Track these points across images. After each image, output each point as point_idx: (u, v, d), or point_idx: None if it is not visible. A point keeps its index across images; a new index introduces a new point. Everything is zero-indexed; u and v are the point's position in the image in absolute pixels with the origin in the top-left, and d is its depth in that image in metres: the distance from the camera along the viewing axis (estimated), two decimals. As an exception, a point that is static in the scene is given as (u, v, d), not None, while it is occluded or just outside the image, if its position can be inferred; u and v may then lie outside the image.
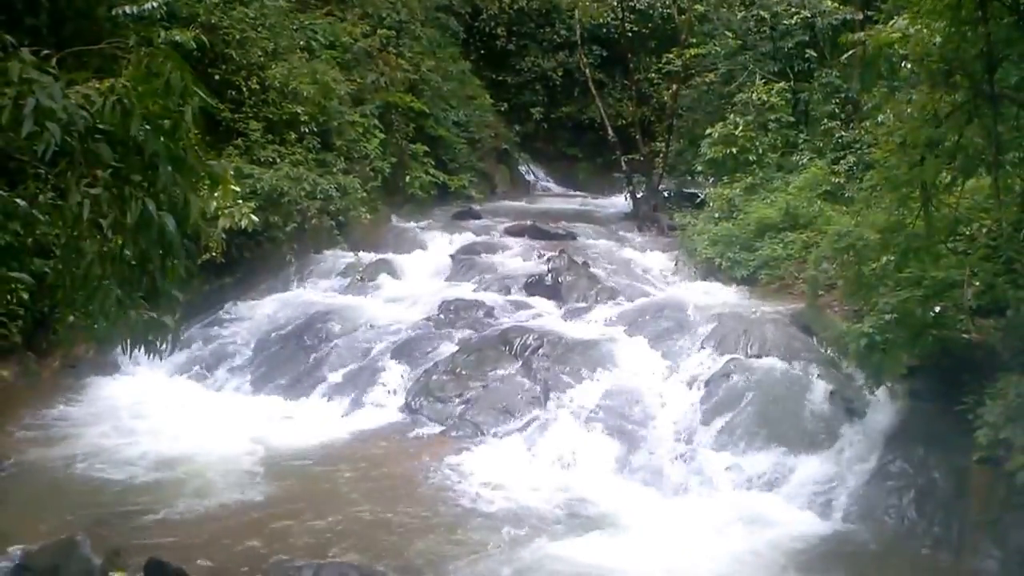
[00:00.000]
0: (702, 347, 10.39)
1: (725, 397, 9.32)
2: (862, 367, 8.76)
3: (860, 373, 9.02)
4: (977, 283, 7.73)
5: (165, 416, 9.30)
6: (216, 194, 6.13)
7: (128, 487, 7.65)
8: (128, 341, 4.74)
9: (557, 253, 14.03)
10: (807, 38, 17.20)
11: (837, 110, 15.19)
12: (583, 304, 12.19)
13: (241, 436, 8.89)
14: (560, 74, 26.45)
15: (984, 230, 8.11)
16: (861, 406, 8.88)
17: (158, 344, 4.80)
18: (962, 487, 7.68)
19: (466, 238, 15.77)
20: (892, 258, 8.06)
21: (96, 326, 4.58)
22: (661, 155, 20.01)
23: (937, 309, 7.82)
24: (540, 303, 12.35)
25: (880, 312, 8.05)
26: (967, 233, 8.11)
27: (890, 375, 8.35)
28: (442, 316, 11.70)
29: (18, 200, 4.49)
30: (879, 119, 9.68)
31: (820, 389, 9.17)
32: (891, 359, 8.05)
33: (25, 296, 6.05)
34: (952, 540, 7.45)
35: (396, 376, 10.37)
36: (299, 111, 14.11)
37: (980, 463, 7.41)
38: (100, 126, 4.15)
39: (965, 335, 7.89)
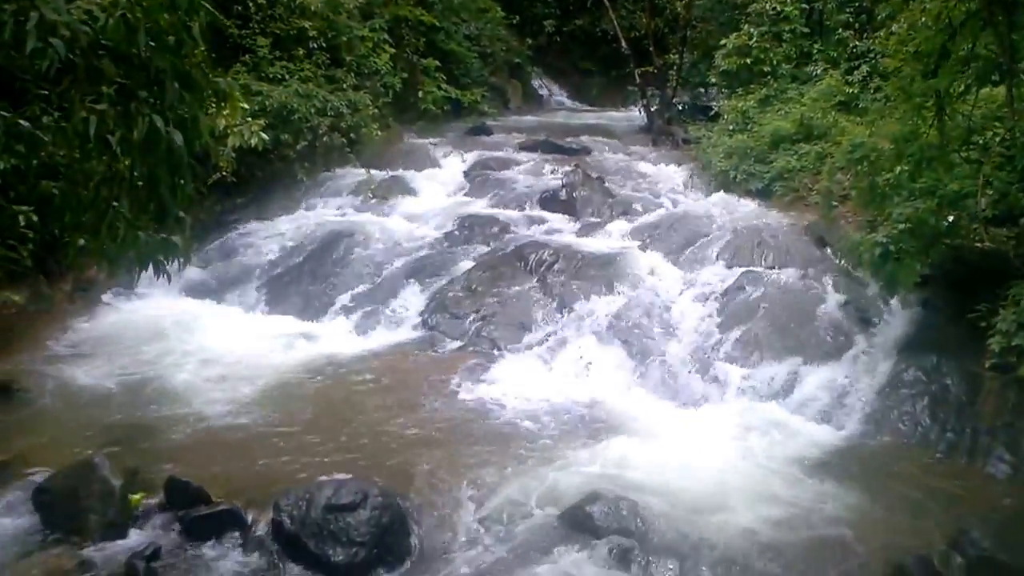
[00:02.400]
0: (717, 259, 10.37)
1: (739, 309, 9.29)
2: (875, 277, 8.73)
3: (873, 283, 9.00)
4: (991, 192, 7.67)
5: (180, 337, 9.32)
6: (224, 112, 6.04)
7: (144, 408, 7.69)
8: (137, 263, 4.71)
9: (571, 168, 13.85)
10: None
11: (851, 19, 14.80)
12: (598, 218, 12.11)
13: (257, 355, 8.91)
14: (572, -16, 25.87)
15: (998, 139, 7.98)
16: (874, 316, 8.89)
17: (167, 265, 4.77)
18: (975, 394, 7.70)
19: (480, 154, 15.58)
20: (906, 168, 7.99)
21: (105, 248, 4.54)
22: (675, 67, 19.63)
23: (950, 218, 7.78)
24: (555, 218, 12.24)
25: (894, 222, 8.00)
26: (981, 142, 7.99)
27: (903, 285, 8.31)
28: (457, 233, 11.63)
29: (21, 121, 4.42)
30: (893, 28, 9.46)
31: (834, 299, 9.16)
32: (904, 269, 8.01)
33: (34, 218, 5.99)
34: (965, 446, 7.48)
35: (412, 294, 10.36)
36: (307, 26, 13.83)
37: (992, 370, 7.45)
38: (104, 42, 4.07)
39: (978, 244, 7.88)
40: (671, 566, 5.78)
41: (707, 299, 9.63)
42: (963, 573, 5.68)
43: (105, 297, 10.17)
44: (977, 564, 5.72)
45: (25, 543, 5.71)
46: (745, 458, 7.26)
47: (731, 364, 8.68)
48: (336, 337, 9.71)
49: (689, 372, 8.72)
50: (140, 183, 4.42)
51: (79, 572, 5.38)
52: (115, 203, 4.40)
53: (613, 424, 7.78)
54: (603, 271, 10.25)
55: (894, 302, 8.84)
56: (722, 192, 13.16)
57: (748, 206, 12.52)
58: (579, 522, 6.12)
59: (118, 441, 6.93)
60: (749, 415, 8.00)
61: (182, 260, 4.84)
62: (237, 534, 5.82)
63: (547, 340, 9.30)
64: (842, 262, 9.86)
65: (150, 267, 4.74)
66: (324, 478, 6.31)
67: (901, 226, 7.91)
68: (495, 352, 9.21)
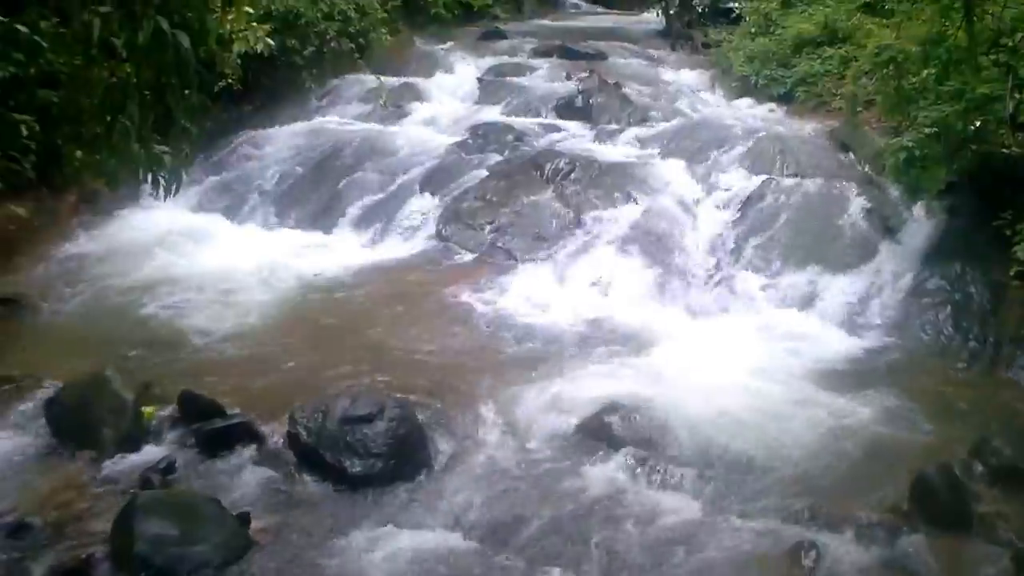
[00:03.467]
0: (737, 167, 10.20)
1: (760, 217, 9.22)
2: (900, 183, 8.67)
3: (897, 190, 8.90)
4: (1019, 96, 7.50)
5: (188, 249, 9.31)
6: (230, 16, 5.90)
7: (154, 322, 7.70)
8: (137, 177, 4.65)
9: (588, 74, 13.65)
10: None
11: (878, -85, 14.40)
12: (615, 126, 11.93)
13: (267, 267, 8.89)
14: None
15: (1028, 41, 7.78)
16: (898, 223, 8.81)
17: (169, 179, 4.72)
18: (999, 302, 7.71)
19: (493, 60, 15.34)
20: (932, 71, 7.87)
21: (104, 162, 4.48)
22: (695, -34, 19.21)
23: (977, 123, 7.69)
24: (571, 126, 12.07)
25: (919, 127, 7.94)
26: (1010, 44, 7.77)
27: (928, 191, 8.27)
28: (470, 141, 11.46)
29: (19, 27, 4.32)
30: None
31: (856, 207, 9.07)
32: (929, 175, 7.97)
33: (36, 128, 5.89)
34: (988, 354, 7.51)
35: (425, 204, 10.26)
36: (312, -74, 13.50)
37: (1017, 278, 7.46)
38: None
39: (1005, 149, 7.76)
40: (689, 476, 5.80)
41: (727, 207, 9.54)
42: (985, 482, 5.71)
43: (110, 210, 10.08)
44: (999, 472, 5.75)
45: (38, 457, 5.75)
46: (766, 368, 7.23)
47: (752, 273, 8.66)
48: (348, 249, 9.67)
49: (709, 282, 8.70)
50: (145, 92, 4.33)
51: (93, 486, 5.44)
52: (119, 113, 4.32)
53: (631, 335, 7.76)
54: (621, 180, 10.13)
55: (918, 209, 8.74)
56: (743, 98, 12.96)
57: (770, 112, 12.37)
58: (596, 433, 6.14)
59: (128, 355, 6.93)
60: (770, 324, 7.98)
61: (180, 176, 4.78)
62: (253, 447, 5.84)
63: (564, 250, 9.23)
64: (866, 169, 9.78)
65: (151, 183, 4.69)
66: (339, 390, 6.31)
67: (927, 131, 7.84)
68: (511, 263, 9.16)
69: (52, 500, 5.29)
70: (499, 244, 9.48)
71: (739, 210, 9.44)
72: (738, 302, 8.41)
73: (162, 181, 4.72)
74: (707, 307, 8.39)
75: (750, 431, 6.27)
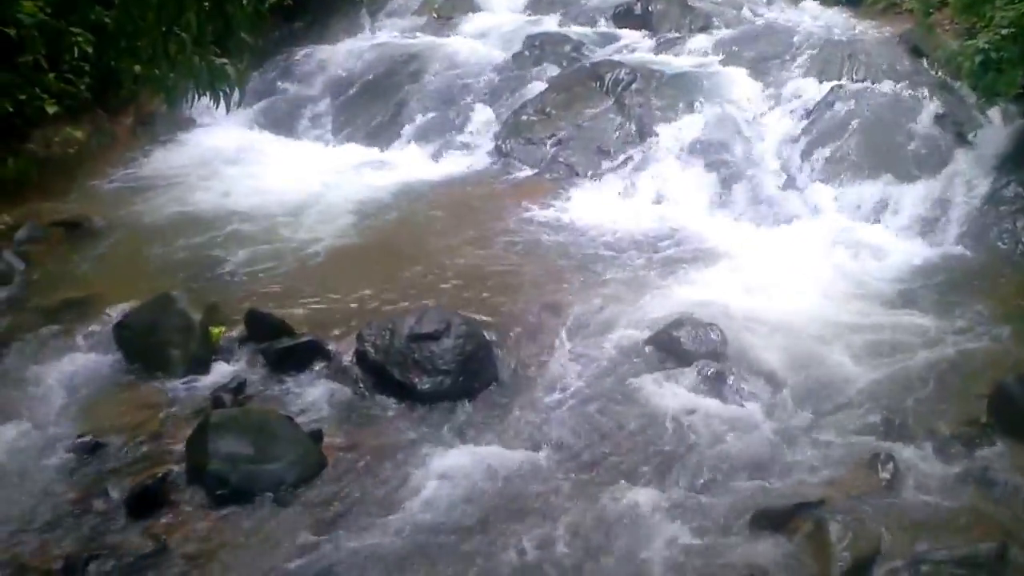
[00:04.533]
0: (804, 74, 9.96)
1: (829, 126, 9.01)
2: (974, 87, 8.37)
3: (972, 94, 8.64)
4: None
5: (248, 169, 9.29)
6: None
7: (217, 242, 7.70)
8: (196, 90, 4.60)
9: (645, -21, 13.30)
10: None
11: None
12: (676, 34, 11.62)
13: (328, 185, 8.86)
14: None
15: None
16: (973, 129, 8.61)
17: (228, 92, 4.66)
18: (1078, 208, 7.45)
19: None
20: (1009, -32, 7.51)
21: (161, 77, 4.43)
22: None
23: (1058, 22, 7.34)
24: (630, 35, 11.80)
25: (995, 27, 7.69)
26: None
27: (1004, 95, 8.02)
28: (527, 53, 11.26)
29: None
30: None
31: (929, 113, 8.88)
32: (1006, 77, 7.72)
33: (89, 50, 5.84)
34: (1067, 263, 7.30)
35: (483, 118, 10.17)
36: None
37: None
38: None
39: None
40: (762, 388, 5.75)
41: (794, 116, 9.33)
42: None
43: (168, 132, 10.10)
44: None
45: (110, 378, 5.81)
46: (837, 279, 7.14)
47: (821, 183, 8.48)
48: (408, 165, 9.59)
49: (777, 193, 8.54)
50: (204, 1, 4.26)
51: (166, 406, 5.49)
52: (176, 24, 4.25)
53: (697, 248, 7.66)
54: (683, 90, 9.91)
55: (994, 114, 8.54)
56: (810, 0, 12.58)
57: (838, 15, 12.04)
58: (666, 347, 6.07)
59: (193, 276, 6.98)
60: (840, 235, 7.84)
61: (242, 88, 4.73)
62: (321, 365, 5.87)
63: (626, 164, 9.09)
64: (938, 73, 9.55)
65: (209, 97, 4.63)
66: (405, 308, 6.31)
67: (1003, 31, 7.60)
68: (572, 178, 9.04)
69: (126, 420, 5.36)
70: (560, 158, 9.35)
71: (807, 118, 9.23)
72: (807, 213, 8.26)
73: (222, 95, 4.67)
74: (776, 218, 8.25)
75: (823, 344, 6.20)
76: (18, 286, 6.96)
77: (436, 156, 9.77)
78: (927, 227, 7.94)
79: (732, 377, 5.80)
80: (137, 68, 4.50)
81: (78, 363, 5.92)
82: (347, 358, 5.92)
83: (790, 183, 8.62)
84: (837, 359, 6.05)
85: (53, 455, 5.07)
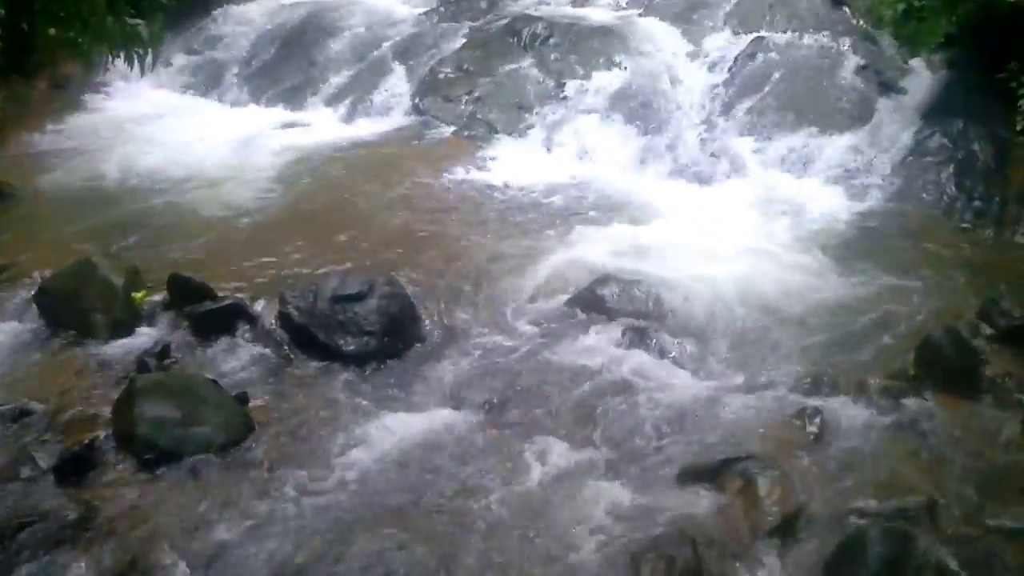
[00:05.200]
0: (724, 25, 10.16)
1: (750, 78, 9.24)
2: (897, 37, 8.64)
3: (895, 44, 8.85)
4: (1025, -61, 7.35)
5: (164, 131, 9.27)
6: None
7: (136, 207, 7.70)
8: (110, 53, 4.62)
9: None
10: None
11: None
12: (594, -14, 11.71)
13: (246, 148, 8.90)
14: None
15: None
16: (896, 80, 8.82)
17: (141, 55, 4.70)
18: (1003, 160, 7.83)
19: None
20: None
21: (78, 39, 4.46)
22: None
23: (980, -31, 7.52)
24: (547, -12, 11.85)
25: (918, -25, 7.72)
26: None
27: (927, 45, 8.25)
28: (443, 9, 11.39)
29: None
30: None
31: (852, 64, 9.09)
32: (929, 27, 7.93)
33: (1, 12, 5.79)
34: (993, 213, 7.61)
35: (400, 77, 10.24)
36: None
37: (1023, 134, 7.43)
38: None
39: (1010, -1, 7.60)
40: (689, 346, 5.92)
41: (715, 69, 9.53)
42: (993, 343, 5.79)
43: (83, 95, 10.01)
44: (1008, 333, 5.81)
45: (32, 345, 5.84)
46: (762, 235, 7.35)
47: (744, 137, 8.69)
48: (326, 126, 9.66)
49: (699, 148, 8.74)
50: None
51: (90, 372, 5.54)
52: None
53: (620, 206, 7.84)
54: (602, 43, 10.07)
55: (917, 64, 8.78)
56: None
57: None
58: (591, 305, 6.22)
59: (113, 241, 6.98)
60: (764, 190, 8.06)
61: (156, 49, 4.76)
62: (245, 328, 5.95)
63: (546, 120, 9.27)
64: (860, 23, 9.73)
65: (123, 59, 4.66)
66: (327, 269, 6.41)
67: (926, -20, 7.67)
68: (492, 135, 9.19)
69: (51, 386, 5.40)
70: (479, 116, 9.47)
71: (728, 71, 9.43)
72: (731, 167, 8.46)
73: (136, 57, 4.71)
74: (699, 173, 8.45)
75: (748, 301, 6.36)
76: (-66, 254, 6.93)
77: (353, 116, 9.84)
78: (851, 180, 8.13)
79: (657, 334, 5.96)
80: (52, 31, 4.52)
81: (0, 330, 5.95)
82: (271, 321, 6.00)
83: (712, 137, 8.81)
84: (762, 316, 6.23)
85: (-24, 423, 5.12)
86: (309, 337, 5.82)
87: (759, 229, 7.43)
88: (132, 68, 4.74)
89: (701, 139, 8.81)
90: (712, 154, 8.63)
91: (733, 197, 7.99)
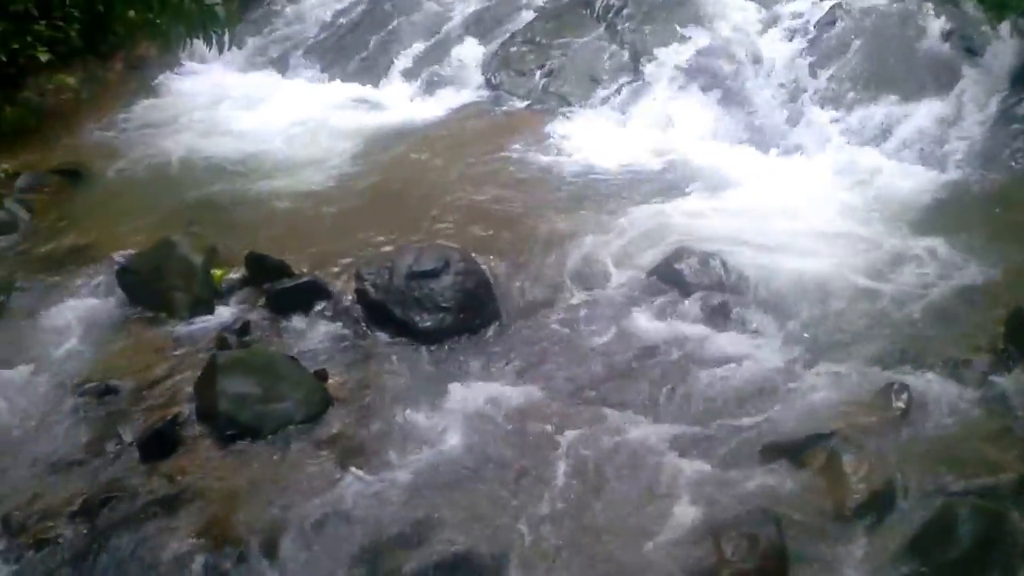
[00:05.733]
0: (803, -9, 9.89)
1: (830, 45, 9.02)
2: (983, 1, 8.35)
3: (980, 8, 8.63)
4: None
5: (240, 110, 9.35)
6: None
7: (214, 187, 7.82)
8: (187, 33, 4.70)
9: None
10: None
11: None
12: (666, -47, 11.56)
13: (320, 125, 8.95)
14: None
15: None
16: (982, 45, 8.54)
17: (219, 34, 4.76)
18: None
19: None
20: None
21: (156, 20, 4.53)
22: None
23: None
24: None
25: (1006, -67, 7.50)
26: None
27: (1016, 8, 7.97)
28: (514, -19, 11.26)
29: None
30: None
31: (935, 29, 8.80)
32: (1018, -11, 7.64)
33: (80, -8, 5.97)
34: (1084, 183, 7.31)
35: (472, 51, 10.19)
36: None
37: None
38: None
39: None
40: (770, 319, 5.83)
41: (794, 36, 9.31)
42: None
43: (158, 76, 10.16)
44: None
45: (116, 323, 6.00)
46: (842, 207, 7.20)
47: (823, 107, 8.50)
48: (397, 102, 9.67)
49: (777, 118, 8.58)
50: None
51: (172, 349, 5.68)
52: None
53: (697, 177, 7.72)
54: (677, 13, 9.90)
55: (1004, 28, 8.50)
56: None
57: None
58: (668, 279, 6.17)
59: (192, 220, 7.08)
60: (844, 161, 7.89)
61: (233, 29, 4.83)
62: (322, 305, 6.02)
63: (620, 92, 9.17)
64: (946, -15, 9.43)
65: (201, 39, 4.74)
66: (402, 246, 6.41)
67: (1014, -62, 7.44)
68: (565, 109, 9.10)
69: (134, 364, 5.55)
70: (551, 89, 9.41)
71: (807, 38, 9.21)
72: (810, 138, 8.29)
73: (214, 36, 4.78)
74: (777, 144, 8.29)
75: (830, 273, 6.24)
76: (22, 235, 7.16)
77: (426, 92, 9.82)
78: (936, 149, 7.93)
79: (737, 308, 5.88)
80: (130, 13, 4.61)
81: (84, 309, 6.10)
82: (347, 297, 6.07)
83: (791, 107, 8.65)
84: (845, 288, 6.11)
85: (64, 400, 5.28)
86: (385, 313, 5.88)
87: (840, 200, 7.29)
88: (210, 48, 4.84)
89: (779, 109, 8.67)
90: (791, 124, 8.49)
91: (813, 168, 7.86)
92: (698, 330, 5.73)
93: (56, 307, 6.15)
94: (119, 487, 4.63)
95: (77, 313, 6.07)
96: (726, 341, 5.64)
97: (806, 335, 5.74)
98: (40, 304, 6.21)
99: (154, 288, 6.10)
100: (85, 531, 4.41)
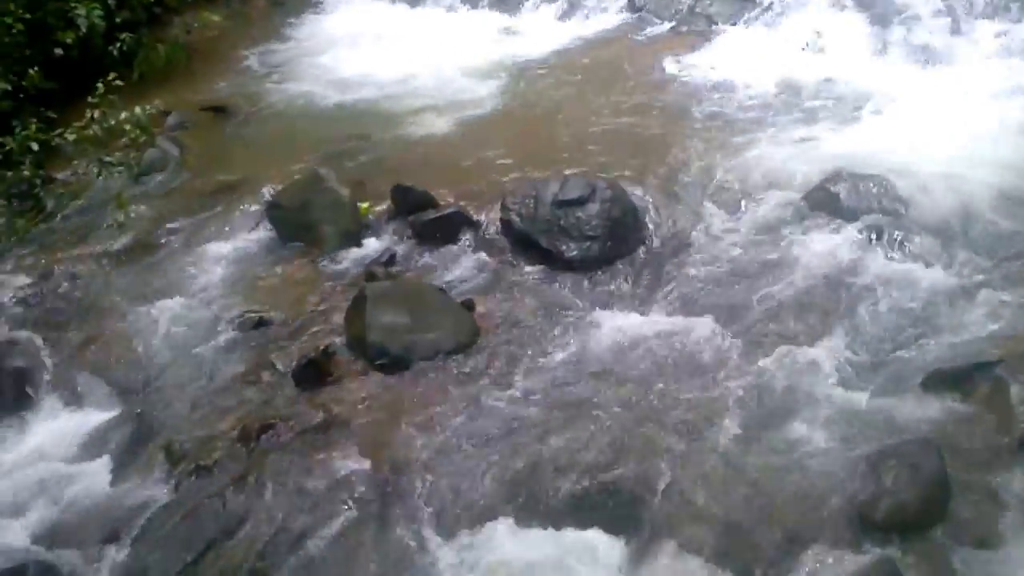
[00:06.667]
0: None
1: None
2: None
3: None
4: None
5: (381, 44, 9.44)
6: None
7: (356, 119, 7.94)
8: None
9: None
10: None
11: None
12: None
13: (464, 54, 8.96)
14: None
15: None
16: None
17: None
18: None
19: None
20: None
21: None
22: None
23: None
24: None
25: None
26: None
27: None
28: None
29: None
30: None
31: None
32: None
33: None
34: None
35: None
36: None
37: None
38: None
39: None
40: (931, 244, 5.59)
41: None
42: None
43: (299, 11, 10.33)
44: None
45: (266, 256, 6.19)
46: (1005, 124, 6.82)
47: (986, 20, 8.12)
48: (539, 28, 9.59)
49: (937, 33, 8.17)
50: None
51: (321, 281, 5.83)
52: None
53: (851, 96, 7.45)
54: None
55: None
56: None
57: None
58: (824, 204, 5.98)
59: (337, 155, 7.22)
60: (1008, 77, 7.46)
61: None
62: (468, 236, 6.08)
63: (771, 10, 8.87)
64: None
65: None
66: (547, 175, 6.35)
67: None
68: (712, 29, 8.91)
69: (285, 296, 5.73)
70: (698, 10, 9.21)
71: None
72: (970, 54, 7.90)
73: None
74: (936, 61, 7.92)
75: (994, 193, 5.97)
76: (173, 171, 7.44)
77: (569, 16, 9.72)
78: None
79: (897, 232, 5.65)
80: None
81: (235, 243, 6.32)
82: (492, 228, 6.12)
83: (951, 23, 8.24)
84: (1010, 209, 5.84)
85: (219, 332, 5.49)
86: (531, 243, 5.88)
87: (1002, 118, 6.91)
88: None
89: (939, 23, 8.25)
90: (951, 40, 8.09)
91: (974, 85, 7.45)
92: (856, 256, 5.54)
93: (208, 242, 6.38)
94: (275, 415, 4.79)
95: (229, 247, 6.29)
96: (885, 267, 5.44)
97: (970, 258, 5.50)
98: (193, 239, 6.46)
99: (302, 222, 6.24)
100: (243, 458, 4.58)
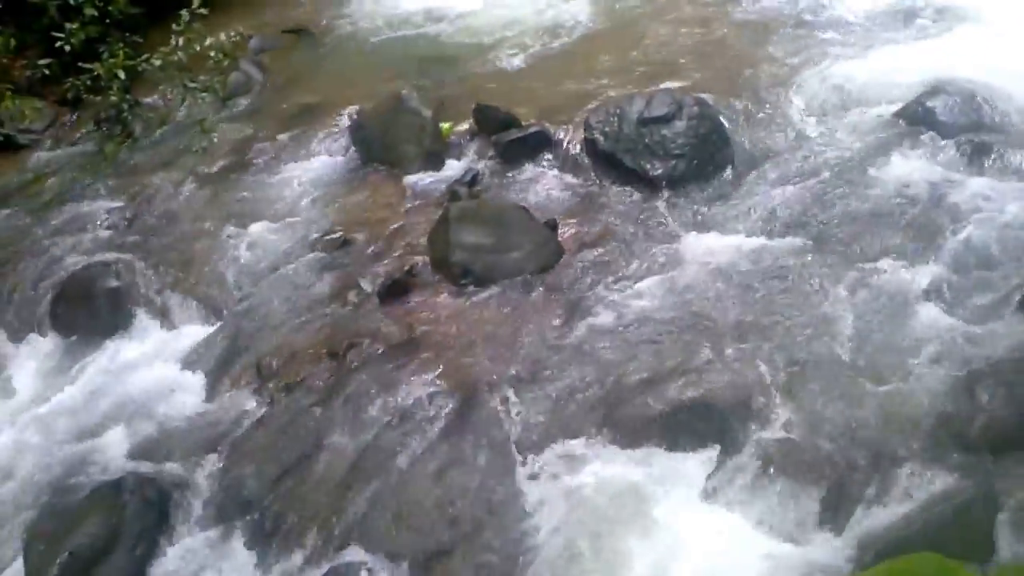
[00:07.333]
0: None
1: None
2: None
3: None
4: None
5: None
6: None
7: (436, 40, 7.94)
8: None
9: None
10: None
11: None
12: None
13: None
14: None
15: None
16: None
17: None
18: None
19: None
20: None
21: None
22: None
23: None
24: None
25: None
26: None
27: None
28: None
29: None
30: None
31: None
32: None
33: None
34: None
35: None
36: None
37: None
38: None
39: None
40: (1031, 162, 5.39)
41: None
42: None
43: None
44: None
45: (351, 176, 6.24)
46: None
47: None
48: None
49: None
50: None
51: (405, 201, 5.86)
52: None
53: (950, 9, 7.18)
54: None
55: None
56: None
57: None
58: (919, 119, 5.79)
59: (418, 77, 7.21)
60: None
61: None
62: (551, 155, 6.04)
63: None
64: None
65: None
66: (632, 93, 6.23)
67: None
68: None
69: (368, 216, 5.77)
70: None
71: None
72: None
73: None
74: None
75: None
76: (257, 94, 7.52)
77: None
78: None
79: (998, 149, 5.46)
80: None
81: (319, 165, 6.38)
82: (575, 147, 6.04)
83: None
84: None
85: (305, 252, 5.55)
86: (615, 162, 5.80)
87: None
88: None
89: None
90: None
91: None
92: (953, 174, 5.37)
93: (293, 163, 6.45)
94: (361, 333, 4.85)
95: (313, 168, 6.36)
96: (985, 185, 5.25)
97: (1073, 179, 5.28)
98: (277, 161, 6.53)
99: (385, 143, 6.26)
100: (330, 375, 4.65)
